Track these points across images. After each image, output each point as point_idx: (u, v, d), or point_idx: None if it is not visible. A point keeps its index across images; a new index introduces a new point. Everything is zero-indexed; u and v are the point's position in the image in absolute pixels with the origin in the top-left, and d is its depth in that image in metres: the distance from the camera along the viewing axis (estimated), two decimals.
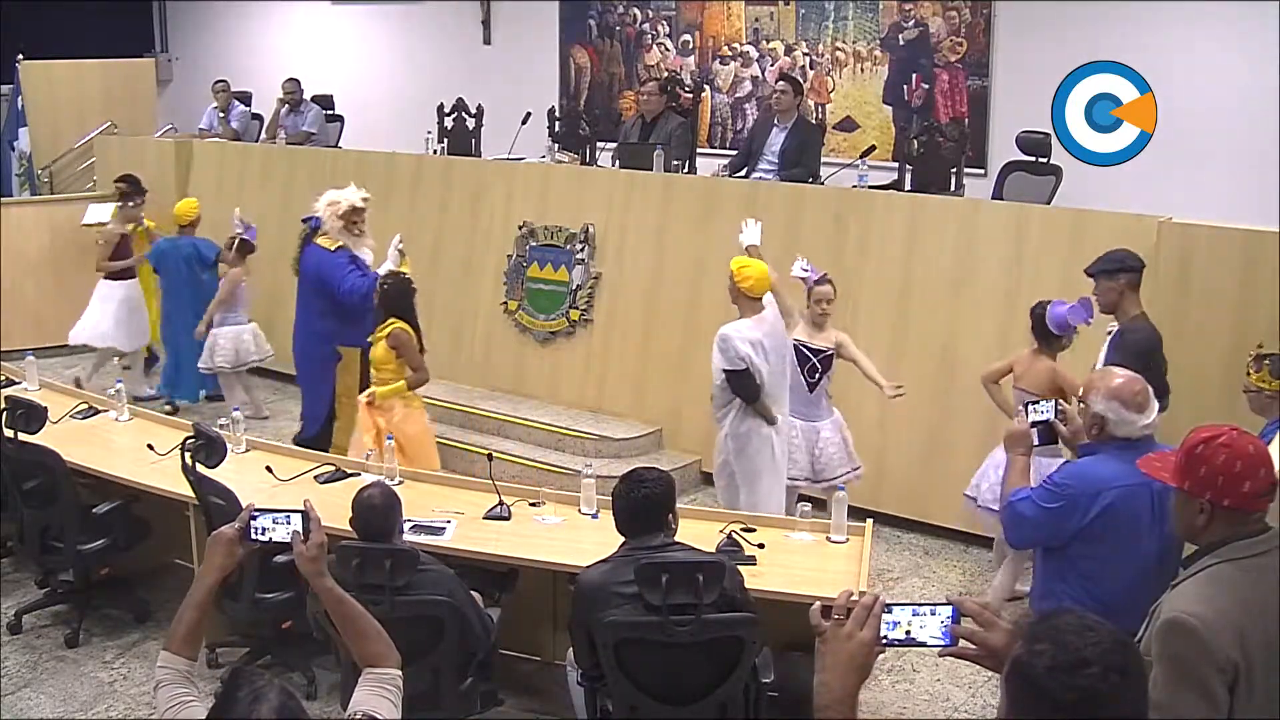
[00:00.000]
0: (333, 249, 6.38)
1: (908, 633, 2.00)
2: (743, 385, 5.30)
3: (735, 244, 6.85)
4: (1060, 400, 3.80)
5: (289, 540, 2.64)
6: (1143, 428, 3.44)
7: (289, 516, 2.66)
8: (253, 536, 2.66)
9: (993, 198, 7.44)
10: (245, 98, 10.74)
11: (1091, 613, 3.53)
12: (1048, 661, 1.78)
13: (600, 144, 8.50)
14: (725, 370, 5.29)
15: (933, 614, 2.00)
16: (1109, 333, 5.18)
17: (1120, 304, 5.03)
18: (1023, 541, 3.83)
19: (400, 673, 2.56)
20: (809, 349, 5.69)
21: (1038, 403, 3.83)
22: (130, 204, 8.45)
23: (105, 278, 8.53)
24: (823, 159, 8.05)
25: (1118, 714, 1.77)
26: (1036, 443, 3.75)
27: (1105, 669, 1.76)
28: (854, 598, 2.02)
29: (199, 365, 8.03)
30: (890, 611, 1.99)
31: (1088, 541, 3.47)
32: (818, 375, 5.71)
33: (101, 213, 9.19)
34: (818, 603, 2.05)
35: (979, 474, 5.57)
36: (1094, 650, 1.78)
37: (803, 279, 5.75)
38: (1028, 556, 4.99)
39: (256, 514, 2.66)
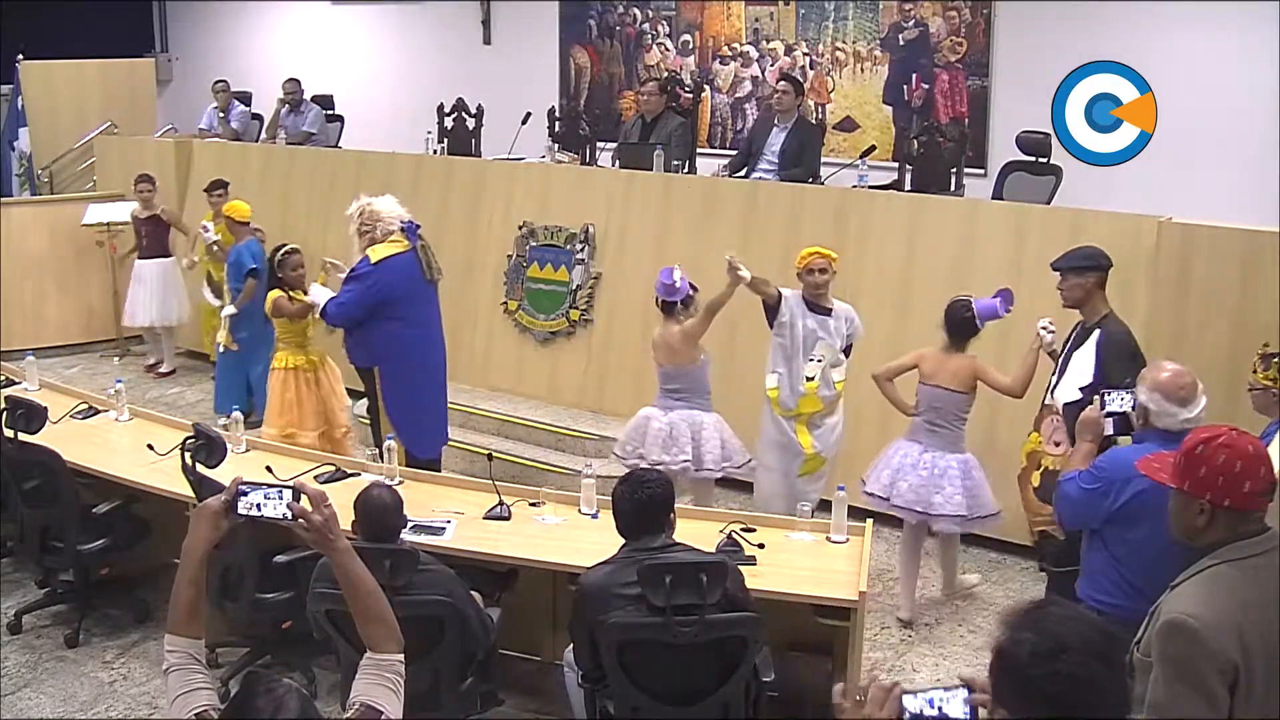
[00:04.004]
0: None
1: (927, 713, 2.01)
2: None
3: (735, 243, 6.86)
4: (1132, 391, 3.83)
5: (279, 517, 2.51)
6: (1183, 421, 3.57)
7: (281, 492, 2.53)
8: (241, 511, 2.53)
9: (993, 198, 7.44)
10: (245, 98, 10.74)
11: (1123, 595, 3.58)
12: (1029, 649, 1.80)
13: (600, 144, 8.50)
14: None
15: (950, 694, 2.00)
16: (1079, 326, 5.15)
17: (1088, 301, 4.96)
18: (1068, 520, 3.96)
19: (401, 658, 2.52)
20: None
21: (1112, 391, 3.88)
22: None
23: (138, 258, 9.04)
24: (823, 159, 8.05)
25: (1099, 701, 1.79)
26: (1111, 432, 3.85)
27: (1086, 656, 1.78)
28: (877, 679, 2.05)
29: None
30: (912, 696, 2.01)
31: (1119, 525, 3.63)
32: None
33: (102, 213, 9.23)
34: (840, 684, 2.09)
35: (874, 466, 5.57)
36: (1075, 638, 1.80)
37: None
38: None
39: (246, 489, 2.53)
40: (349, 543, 2.59)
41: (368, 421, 6.41)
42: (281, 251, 6.51)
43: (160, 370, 9.29)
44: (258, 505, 2.52)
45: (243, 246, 7.73)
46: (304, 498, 2.53)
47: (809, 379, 5.52)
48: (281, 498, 2.52)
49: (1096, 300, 4.95)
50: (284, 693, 2.03)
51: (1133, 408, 3.78)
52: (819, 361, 5.53)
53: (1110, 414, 3.83)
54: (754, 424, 5.80)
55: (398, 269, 5.81)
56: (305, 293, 6.34)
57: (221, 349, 7.79)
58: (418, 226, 5.98)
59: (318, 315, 6.16)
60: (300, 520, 2.50)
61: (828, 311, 5.57)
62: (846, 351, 5.65)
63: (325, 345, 6.70)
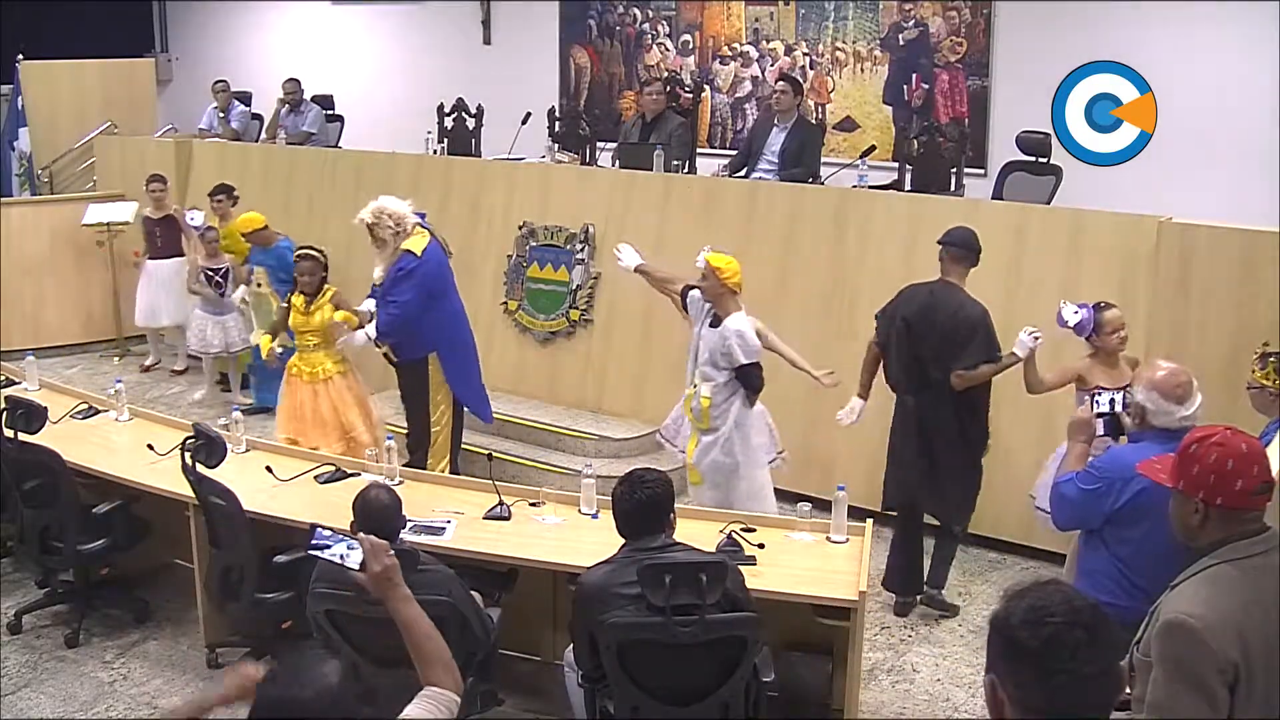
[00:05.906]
0: None
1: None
2: (757, 376, 5.33)
3: (735, 244, 6.85)
4: (1124, 391, 3.85)
5: (358, 567, 2.69)
6: (1180, 419, 3.58)
7: (356, 543, 2.72)
8: (323, 556, 2.74)
9: (993, 198, 7.43)
10: (245, 98, 10.74)
11: (1125, 595, 3.59)
12: (1020, 616, 1.90)
13: (600, 144, 8.50)
14: (743, 364, 5.26)
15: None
16: None
17: (945, 275, 5.37)
18: (1063, 522, 3.96)
19: (459, 700, 2.61)
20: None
21: (1102, 393, 3.88)
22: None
23: (149, 258, 9.07)
24: (823, 159, 8.06)
25: (1077, 666, 1.85)
26: (1101, 433, 3.84)
27: (1070, 623, 1.87)
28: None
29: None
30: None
31: (1119, 525, 3.63)
32: None
33: (102, 213, 9.23)
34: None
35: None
36: (1062, 607, 1.89)
37: (1074, 326, 5.05)
38: None
39: (327, 540, 2.74)
40: (409, 590, 2.70)
41: (404, 430, 6.37)
42: (295, 252, 6.55)
43: (146, 365, 9.38)
44: (343, 556, 2.71)
45: (282, 246, 7.72)
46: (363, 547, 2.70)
47: (693, 385, 5.42)
48: (359, 548, 2.70)
49: (950, 276, 5.34)
50: (324, 660, 2.19)
51: (1123, 408, 3.78)
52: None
53: (1100, 415, 3.84)
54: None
55: (436, 253, 6.21)
56: (305, 299, 6.33)
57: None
58: (424, 215, 6.33)
59: (373, 343, 6.22)
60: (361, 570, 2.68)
61: (718, 323, 5.34)
62: (740, 373, 5.29)
63: (369, 367, 6.58)
